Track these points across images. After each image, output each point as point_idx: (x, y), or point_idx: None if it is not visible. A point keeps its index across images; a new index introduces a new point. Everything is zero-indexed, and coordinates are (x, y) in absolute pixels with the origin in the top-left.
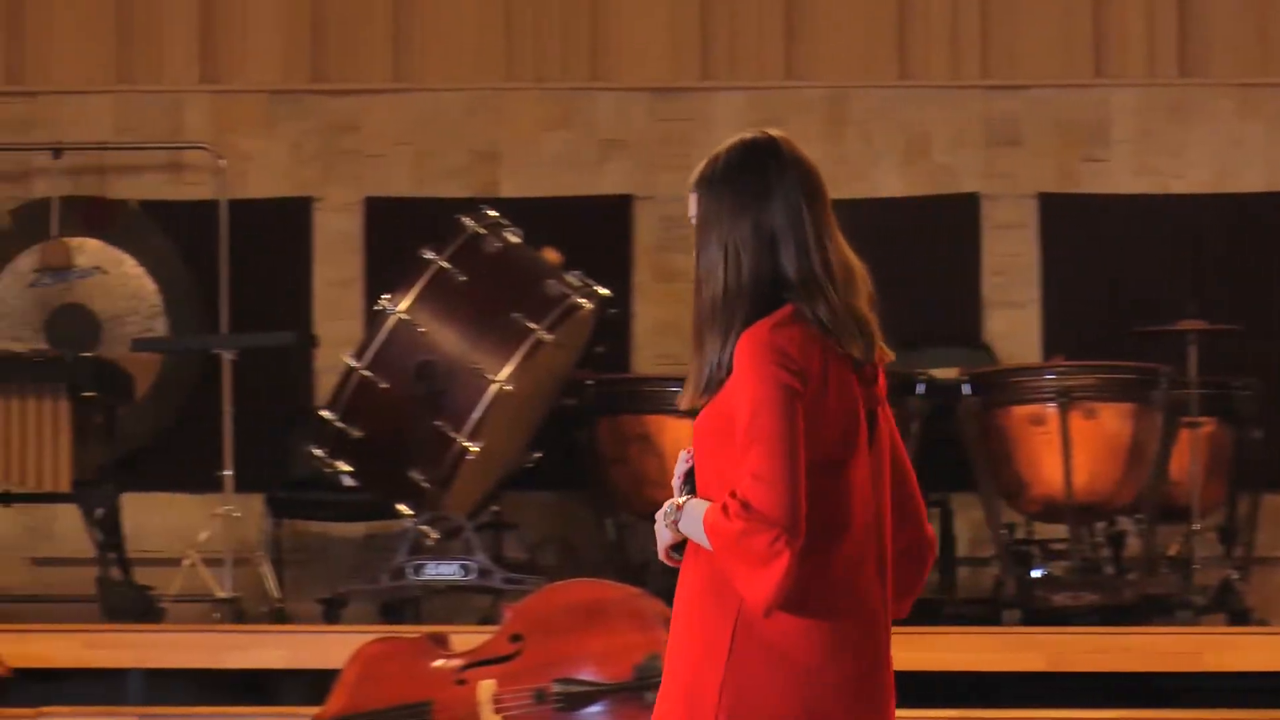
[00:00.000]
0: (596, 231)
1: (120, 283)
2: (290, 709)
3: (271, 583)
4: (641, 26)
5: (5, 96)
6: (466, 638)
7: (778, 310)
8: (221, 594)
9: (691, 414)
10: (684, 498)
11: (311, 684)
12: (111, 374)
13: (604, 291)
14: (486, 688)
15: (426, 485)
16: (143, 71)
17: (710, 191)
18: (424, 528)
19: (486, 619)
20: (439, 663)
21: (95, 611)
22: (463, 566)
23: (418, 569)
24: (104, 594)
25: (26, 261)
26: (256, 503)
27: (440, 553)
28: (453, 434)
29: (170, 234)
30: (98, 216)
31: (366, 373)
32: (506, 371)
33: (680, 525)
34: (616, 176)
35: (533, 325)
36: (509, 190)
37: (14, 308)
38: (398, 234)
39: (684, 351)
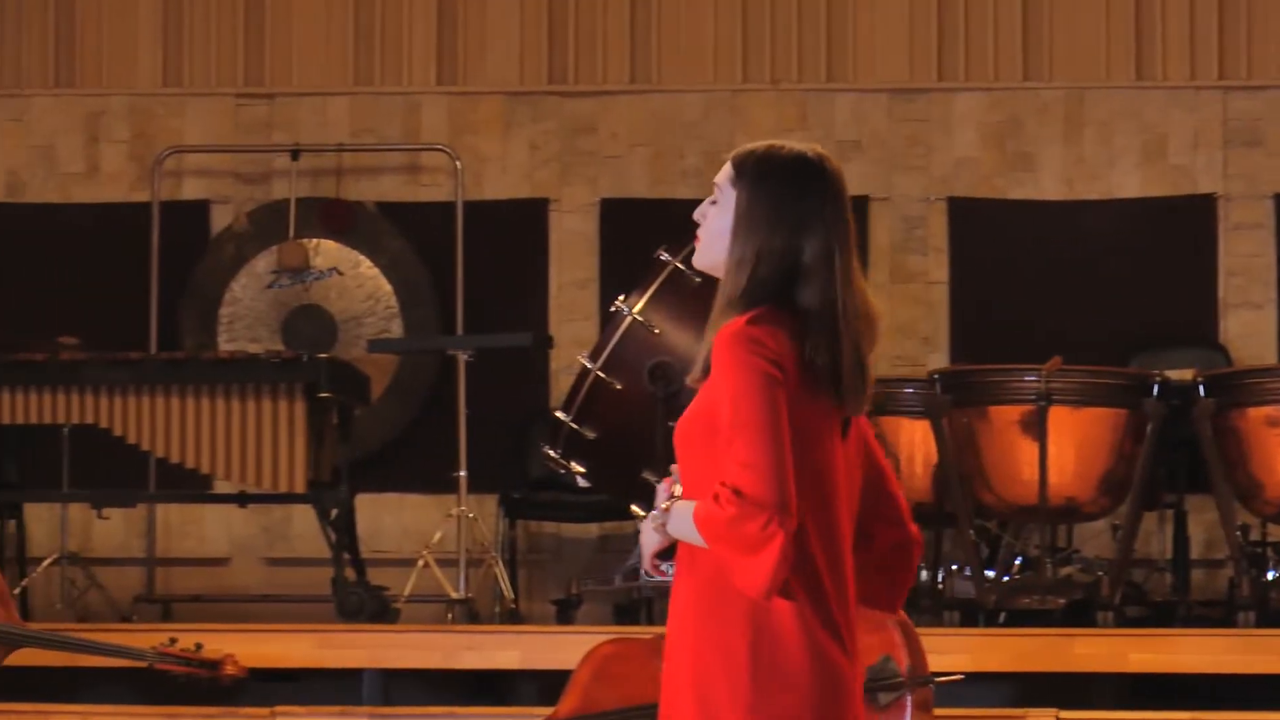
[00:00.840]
0: None
1: (357, 284)
2: (523, 710)
3: (505, 583)
4: (878, 27)
5: (245, 99)
6: None
7: (766, 309)
8: (455, 594)
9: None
10: (667, 501)
11: (544, 685)
12: (348, 375)
13: None
14: None
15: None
16: (381, 73)
17: (755, 190)
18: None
19: None
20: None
21: (330, 612)
22: None
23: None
24: (338, 594)
25: (264, 263)
26: (491, 503)
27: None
28: None
29: (407, 235)
30: (335, 218)
31: (601, 374)
32: None
33: (669, 527)
34: (853, 178)
35: None
36: None
37: (252, 309)
38: (633, 235)
39: (920, 353)
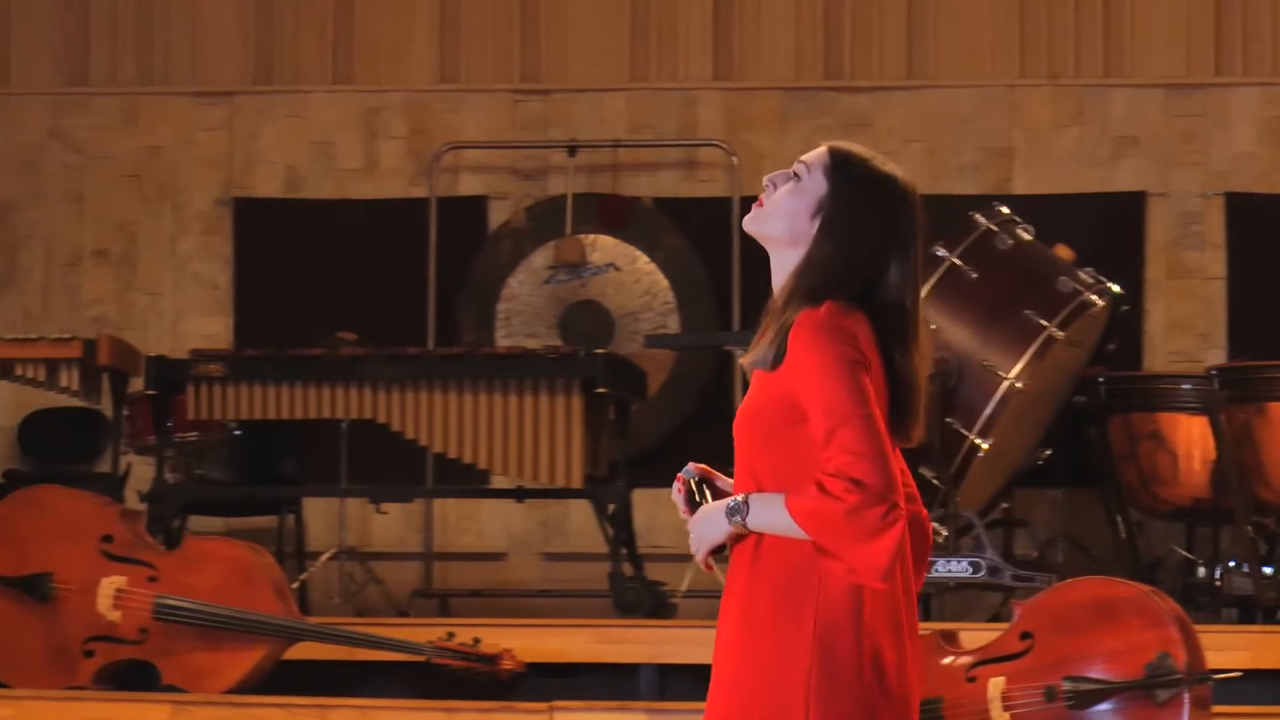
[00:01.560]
0: (1109, 228)
1: (633, 279)
2: None
3: None
4: (1155, 22)
5: (522, 95)
6: (976, 635)
7: (841, 304)
8: None
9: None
10: (738, 495)
11: None
12: (625, 370)
13: (1116, 289)
14: (996, 685)
15: (937, 482)
16: (657, 69)
17: (852, 191)
18: (934, 525)
19: (996, 616)
20: (949, 660)
21: (607, 607)
22: (973, 564)
23: (929, 566)
24: (616, 589)
25: (542, 258)
26: None
27: (950, 550)
28: (964, 431)
29: (683, 231)
30: (612, 213)
31: None
32: (1017, 369)
33: (751, 520)
34: (1129, 173)
35: (1044, 322)
36: (1021, 187)
37: (529, 304)
38: None
39: (1198, 349)
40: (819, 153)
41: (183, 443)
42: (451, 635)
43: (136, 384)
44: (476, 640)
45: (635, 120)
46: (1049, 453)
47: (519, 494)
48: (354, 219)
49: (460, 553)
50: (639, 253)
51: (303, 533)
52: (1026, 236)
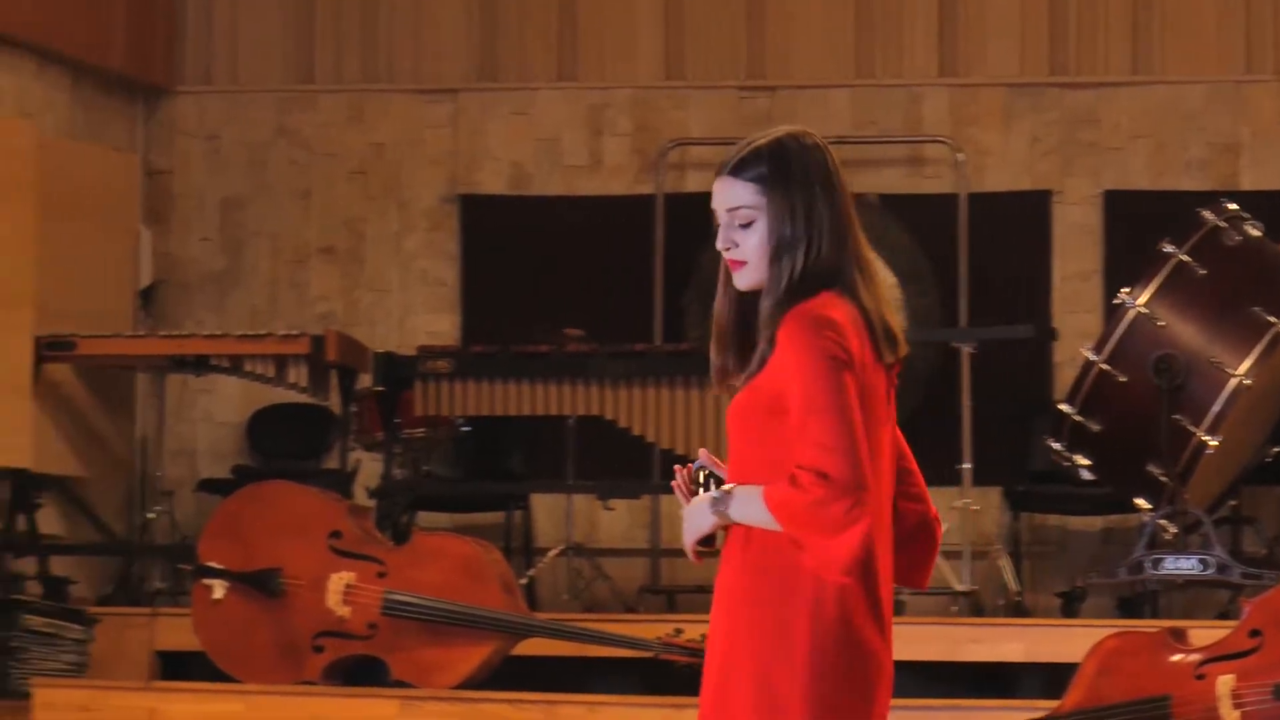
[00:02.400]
0: None
1: None
2: (1027, 702)
3: (1010, 576)
4: None
5: (747, 91)
6: (1205, 633)
7: (818, 294)
8: (960, 587)
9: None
10: (724, 487)
11: (1049, 678)
12: None
13: None
14: (1225, 683)
15: (1165, 479)
16: (882, 65)
17: (774, 183)
18: (1162, 522)
19: (1225, 614)
20: (1177, 657)
21: None
22: (1201, 561)
23: (1155, 563)
24: None
25: None
26: (995, 496)
27: (1178, 547)
28: (1191, 428)
29: (909, 227)
30: None
31: (1106, 366)
32: (1246, 365)
33: (731, 511)
34: None
35: (1273, 319)
36: (1249, 183)
37: None
38: (1137, 227)
39: None
40: (738, 189)
41: (410, 439)
42: (679, 631)
43: (364, 380)
44: (704, 636)
45: (860, 116)
46: (1277, 450)
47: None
48: (580, 216)
49: None
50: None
51: (530, 529)
52: (1255, 233)
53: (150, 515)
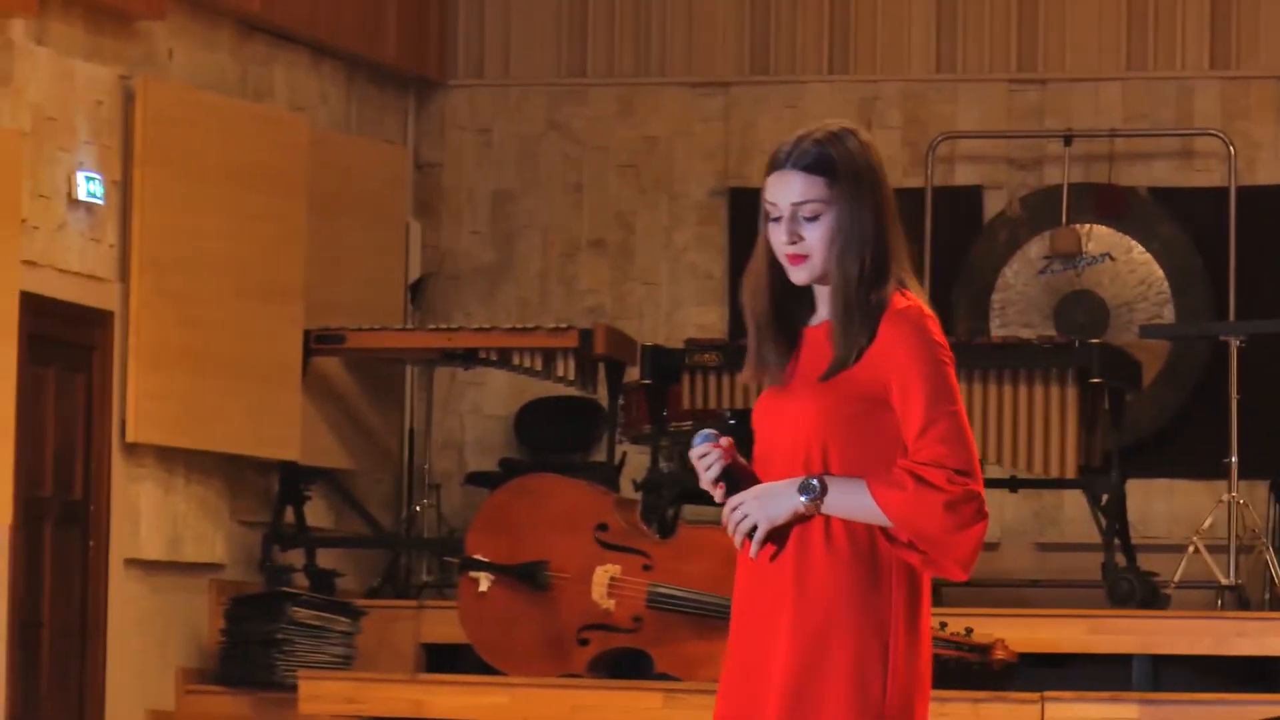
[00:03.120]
0: None
1: (1129, 269)
2: None
3: (1275, 569)
4: None
5: (1018, 84)
6: None
7: (889, 289)
8: (1225, 581)
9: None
10: (813, 475)
11: None
12: (1120, 360)
13: None
14: None
15: None
16: (1154, 58)
17: (842, 177)
18: None
19: None
20: None
21: (1100, 597)
22: None
23: None
24: (1109, 580)
25: (1037, 248)
26: (1262, 489)
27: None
28: None
29: (1179, 221)
30: (1108, 203)
31: None
32: None
33: (827, 502)
34: None
35: None
36: None
37: (1024, 294)
38: None
39: None
40: (805, 182)
41: (677, 432)
42: (944, 625)
43: (632, 373)
44: (969, 630)
45: (1131, 110)
46: None
47: (1012, 484)
48: None
49: None
50: (1134, 243)
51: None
52: None
53: (418, 508)
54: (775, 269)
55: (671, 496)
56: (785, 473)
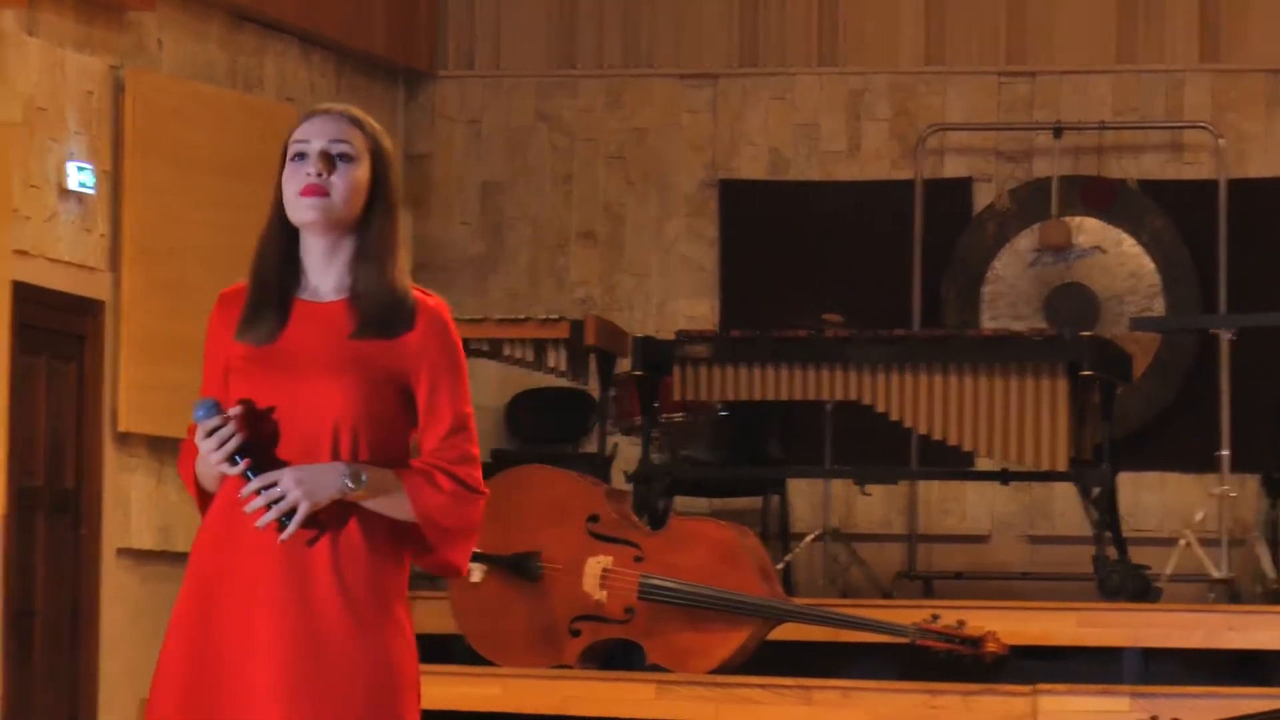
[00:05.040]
0: None
1: (1119, 262)
2: None
3: (1268, 563)
4: None
5: (1007, 77)
6: None
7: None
8: (1217, 574)
9: None
10: (351, 463)
11: None
12: (1110, 353)
13: None
14: None
15: None
16: (1143, 50)
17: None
18: None
19: None
20: None
21: (1091, 590)
22: None
23: None
24: (1100, 573)
25: (1026, 241)
26: (1253, 483)
27: None
28: None
29: (1169, 213)
30: (1097, 196)
31: None
32: None
33: (370, 494)
34: None
35: None
36: None
37: (1014, 286)
38: None
39: None
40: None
41: (669, 423)
42: (935, 617)
43: (623, 365)
44: (961, 623)
45: (1121, 102)
46: None
47: (1003, 476)
48: (838, 201)
49: (944, 535)
50: (1125, 235)
51: (787, 514)
52: None
53: None
54: (287, 227)
55: (663, 488)
56: (304, 454)
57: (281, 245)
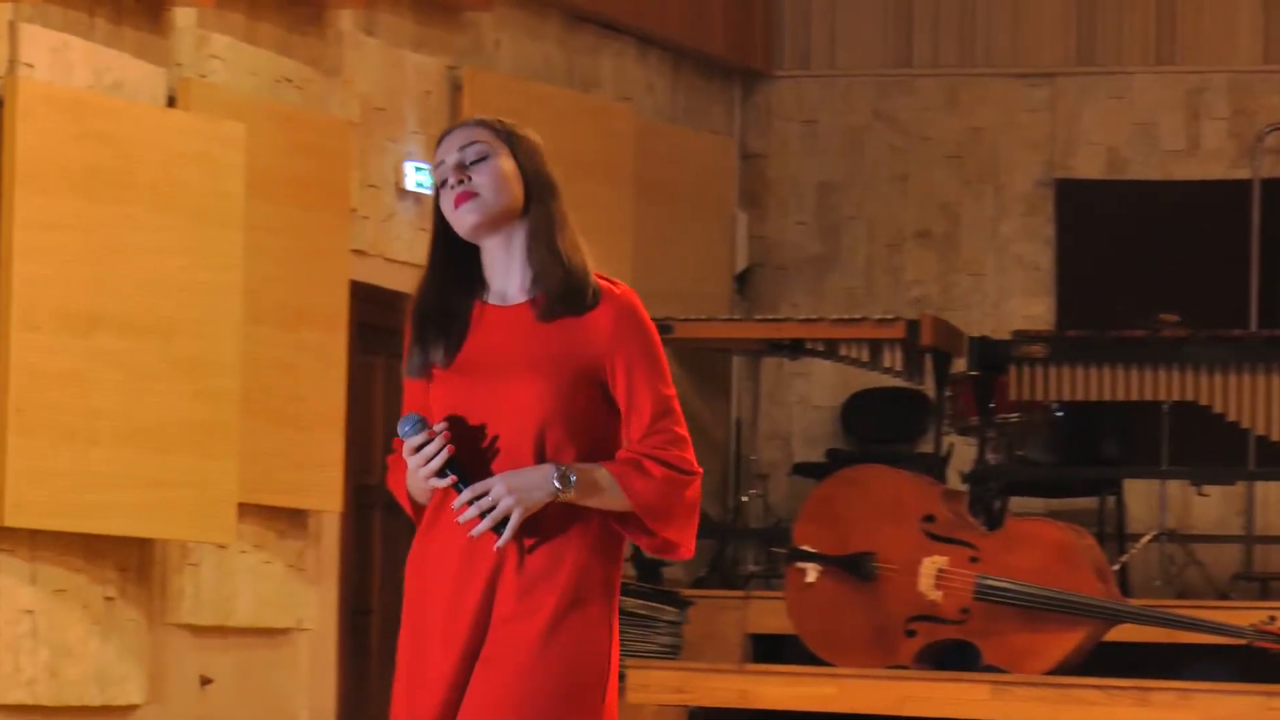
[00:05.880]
0: None
1: None
2: None
3: None
4: None
5: None
6: None
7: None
8: None
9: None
10: (560, 464)
11: None
12: None
13: None
14: None
15: None
16: None
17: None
18: None
19: None
20: None
21: None
22: None
23: None
24: None
25: None
26: None
27: None
28: None
29: None
30: None
31: None
32: None
33: (581, 493)
34: None
35: None
36: None
37: None
38: None
39: None
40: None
41: (1004, 423)
42: (1273, 619)
43: (958, 364)
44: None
45: None
46: None
47: None
48: (1176, 200)
49: None
50: None
51: (1123, 514)
52: None
53: (745, 498)
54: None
55: (998, 488)
56: (509, 457)
57: (444, 274)
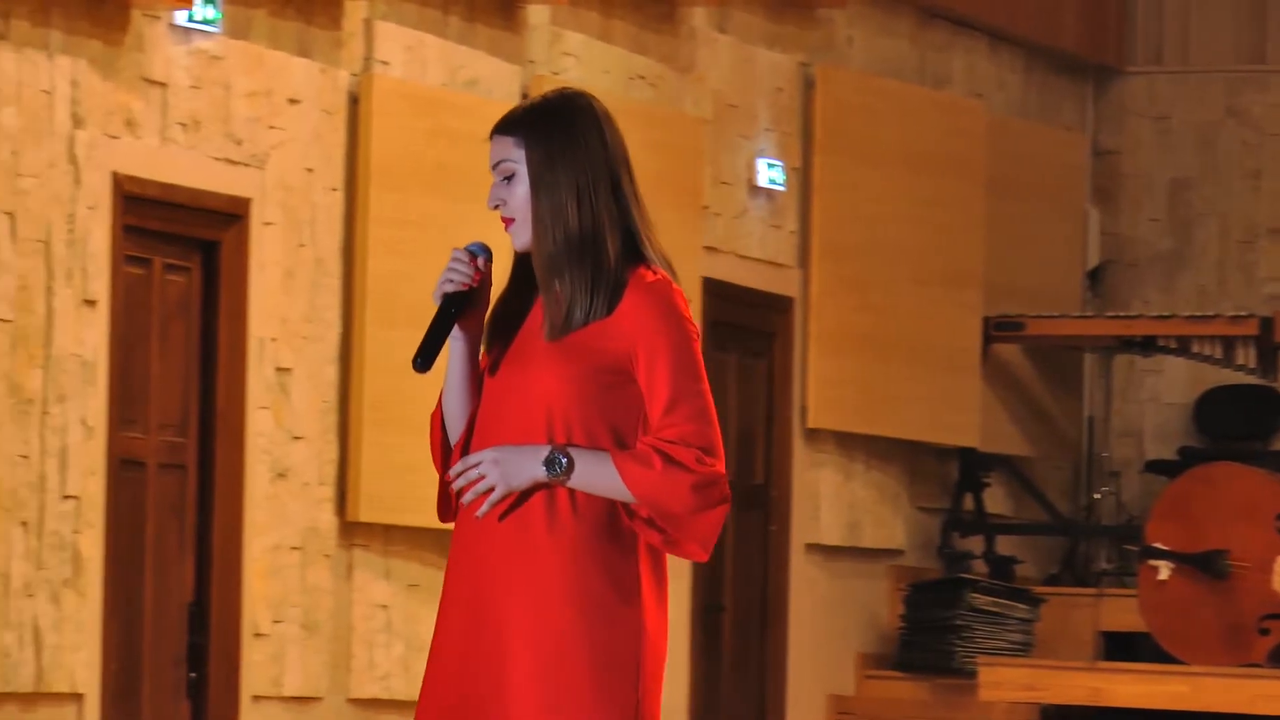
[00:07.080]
0: None
1: None
2: None
3: None
4: None
5: None
6: None
7: (653, 266)
8: None
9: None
10: (556, 446)
11: None
12: None
13: None
14: None
15: None
16: None
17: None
18: None
19: None
20: None
21: None
22: None
23: None
24: None
25: None
26: None
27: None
28: None
29: None
30: None
31: None
32: None
33: (573, 478)
34: None
35: None
36: None
37: None
38: None
39: None
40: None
41: None
42: None
43: None
44: None
45: None
46: None
47: None
48: None
49: None
50: None
51: None
52: None
53: (1097, 495)
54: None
55: None
56: (519, 438)
57: (515, 274)
